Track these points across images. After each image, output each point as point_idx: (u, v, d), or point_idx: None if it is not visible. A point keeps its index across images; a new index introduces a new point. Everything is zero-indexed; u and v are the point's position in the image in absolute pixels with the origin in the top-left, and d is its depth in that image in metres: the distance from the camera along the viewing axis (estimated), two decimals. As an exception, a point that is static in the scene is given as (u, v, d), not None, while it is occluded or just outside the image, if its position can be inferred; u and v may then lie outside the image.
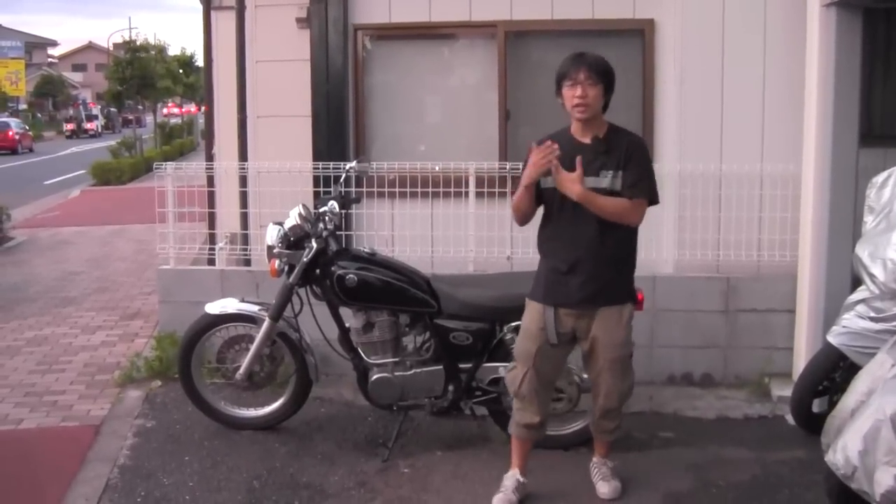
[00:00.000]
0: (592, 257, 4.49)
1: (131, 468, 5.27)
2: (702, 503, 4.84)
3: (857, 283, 5.33)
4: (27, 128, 46.07)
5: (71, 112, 61.84)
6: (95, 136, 51.90)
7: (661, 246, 6.74)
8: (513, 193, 4.66)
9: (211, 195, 7.45)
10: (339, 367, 5.96)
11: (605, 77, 4.50)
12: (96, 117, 58.32)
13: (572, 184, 4.36)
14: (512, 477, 4.81)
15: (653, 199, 4.61)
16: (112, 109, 45.43)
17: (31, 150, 42.92)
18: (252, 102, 7.50)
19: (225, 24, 7.85)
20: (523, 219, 4.67)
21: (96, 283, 10.36)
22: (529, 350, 4.65)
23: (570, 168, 4.40)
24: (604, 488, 4.86)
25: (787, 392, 5.80)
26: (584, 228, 4.48)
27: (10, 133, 41.98)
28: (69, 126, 56.73)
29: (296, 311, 5.56)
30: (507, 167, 6.47)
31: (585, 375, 5.32)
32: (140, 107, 45.74)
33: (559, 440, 5.40)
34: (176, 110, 61.09)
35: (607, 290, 4.56)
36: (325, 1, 7.12)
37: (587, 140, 4.54)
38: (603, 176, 4.47)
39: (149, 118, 48.03)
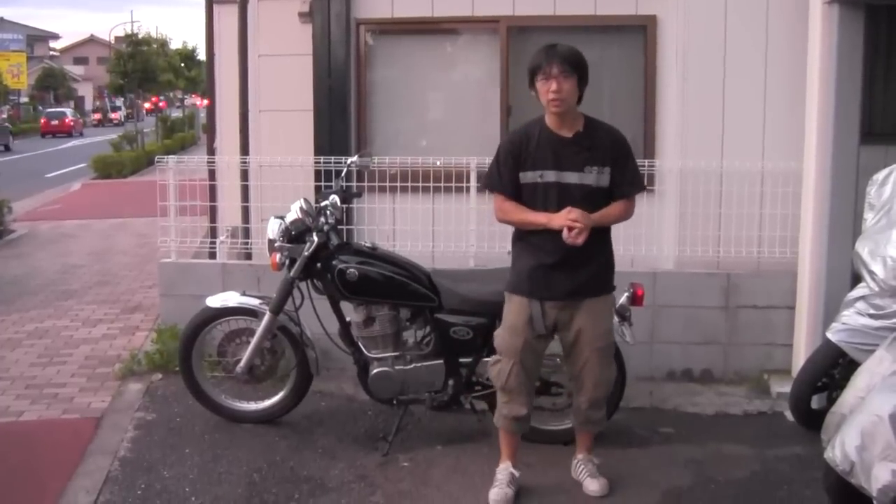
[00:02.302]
0: (579, 250, 4.47)
1: (132, 461, 5.28)
2: (701, 499, 4.85)
3: (856, 280, 5.34)
4: (78, 116, 54.77)
5: (97, 103, 68.80)
6: (119, 124, 55.07)
7: (661, 242, 6.75)
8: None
9: (212, 189, 7.46)
10: (339, 361, 5.96)
11: (578, 69, 4.47)
12: (120, 108, 62.91)
13: (584, 224, 4.37)
14: (505, 470, 4.83)
15: (643, 189, 4.74)
16: (137, 100, 47.29)
17: (81, 134, 50.00)
18: (254, 96, 7.51)
19: (227, 18, 7.87)
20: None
21: (97, 277, 10.37)
22: (516, 345, 4.66)
23: (554, 160, 4.49)
24: (593, 485, 4.85)
25: (787, 388, 5.81)
26: None
27: (67, 120, 50.85)
28: (96, 116, 63.31)
29: (297, 304, 5.56)
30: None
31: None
32: (160, 97, 48.04)
33: (559, 435, 5.41)
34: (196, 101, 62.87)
35: (592, 282, 4.61)
36: (328, -5, 7.13)
37: (568, 134, 4.54)
38: (588, 171, 4.50)
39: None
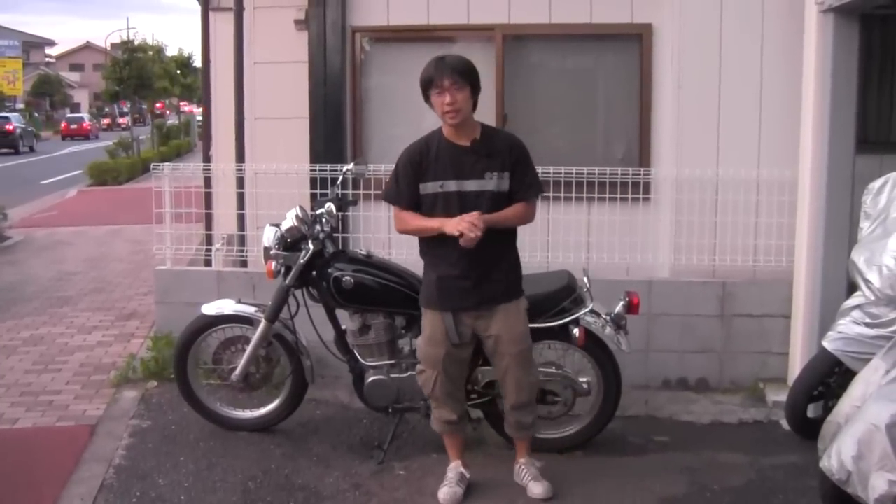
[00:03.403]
0: (483, 259, 4.59)
1: (127, 468, 5.27)
2: (696, 507, 4.85)
3: (852, 288, 5.33)
4: (95, 121, 60.46)
5: (106, 109, 71.94)
6: (127, 128, 57.36)
7: (657, 250, 6.76)
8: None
9: (208, 196, 7.45)
10: (334, 369, 5.96)
11: (469, 78, 4.57)
12: (127, 113, 65.14)
13: (474, 227, 4.42)
14: (454, 469, 4.96)
15: (541, 193, 4.84)
16: (143, 106, 48.60)
17: (97, 137, 53.84)
18: (250, 104, 7.50)
19: (223, 25, 7.85)
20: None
21: (93, 284, 10.35)
22: (437, 356, 4.77)
23: (454, 169, 4.58)
24: (537, 488, 4.88)
25: (782, 397, 5.81)
26: None
27: (85, 125, 56.86)
28: (106, 121, 67.53)
29: (292, 312, 5.56)
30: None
31: (583, 379, 5.36)
32: (165, 102, 53.52)
33: (554, 443, 5.42)
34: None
35: (502, 288, 4.69)
36: (324, 3, 7.13)
37: (465, 143, 4.64)
38: (488, 178, 4.59)
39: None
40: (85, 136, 54.21)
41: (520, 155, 4.68)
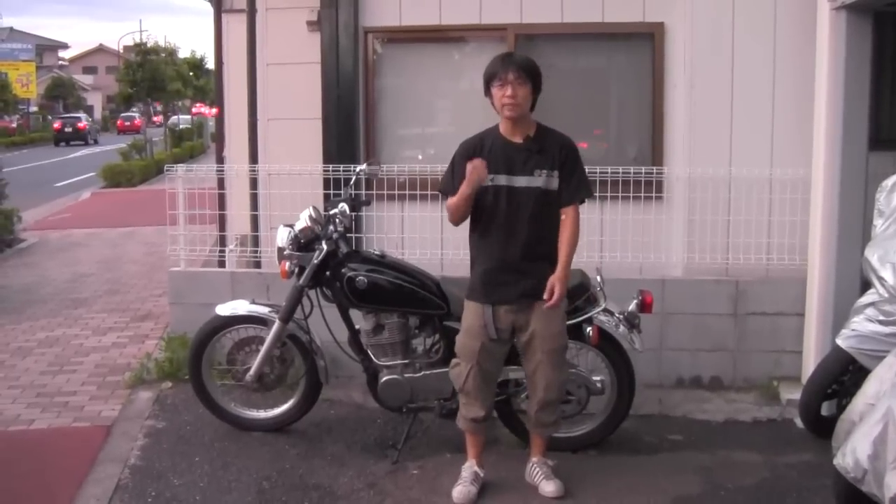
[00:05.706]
0: (525, 254, 4.68)
1: (142, 469, 5.29)
2: (710, 506, 4.84)
3: (866, 286, 5.32)
4: (143, 117, 63.47)
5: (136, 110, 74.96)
6: (160, 126, 62.05)
7: (670, 249, 6.75)
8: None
9: (221, 197, 7.47)
10: (348, 369, 5.97)
11: (532, 77, 4.68)
12: (160, 112, 68.91)
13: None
14: (469, 468, 4.96)
15: (590, 195, 4.92)
16: (174, 105, 50.92)
17: (144, 132, 58.71)
18: (263, 105, 7.52)
19: (236, 26, 7.88)
20: (460, 219, 4.83)
21: (107, 285, 10.39)
22: (473, 348, 4.80)
23: (506, 164, 4.67)
24: (549, 487, 4.89)
25: (796, 395, 5.80)
26: (515, 227, 4.68)
27: (137, 121, 61.33)
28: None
29: (306, 312, 5.58)
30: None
31: (596, 378, 5.36)
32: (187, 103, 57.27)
33: (568, 442, 5.42)
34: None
35: (543, 285, 4.68)
36: (336, 4, 7.14)
37: (518, 139, 4.72)
38: (537, 175, 4.67)
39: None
40: (137, 130, 59.79)
41: (570, 155, 4.75)
